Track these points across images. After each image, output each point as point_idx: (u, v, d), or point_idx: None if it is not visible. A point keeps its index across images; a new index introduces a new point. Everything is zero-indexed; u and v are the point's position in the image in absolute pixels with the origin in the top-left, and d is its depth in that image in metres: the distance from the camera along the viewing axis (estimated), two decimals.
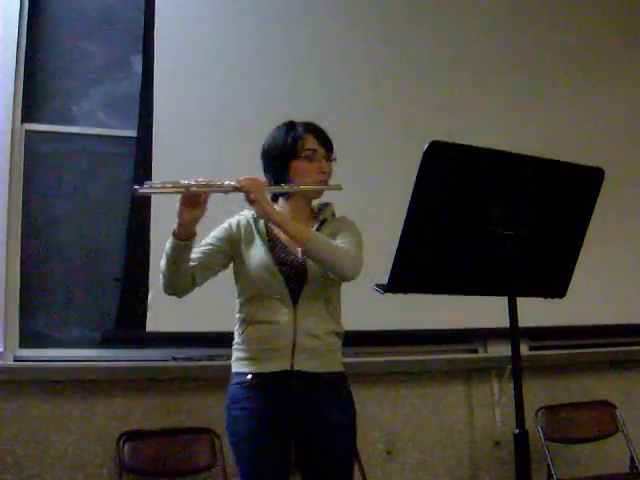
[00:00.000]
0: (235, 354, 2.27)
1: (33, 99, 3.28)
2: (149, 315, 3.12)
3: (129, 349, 3.21)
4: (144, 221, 3.18)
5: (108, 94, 3.39)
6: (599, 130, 4.06)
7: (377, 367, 3.52)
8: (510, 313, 1.88)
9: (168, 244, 2.11)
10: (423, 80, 3.80)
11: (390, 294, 1.85)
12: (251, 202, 2.13)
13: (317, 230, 2.28)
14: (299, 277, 2.22)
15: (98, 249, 3.26)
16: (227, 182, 2.11)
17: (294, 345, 2.17)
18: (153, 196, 3.14)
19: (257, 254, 2.24)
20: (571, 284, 2.04)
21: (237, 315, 2.29)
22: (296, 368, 2.17)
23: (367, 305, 2.92)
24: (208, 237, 2.28)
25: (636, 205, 4.07)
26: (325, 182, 2.30)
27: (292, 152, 2.27)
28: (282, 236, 2.25)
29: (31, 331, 3.12)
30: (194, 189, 2.05)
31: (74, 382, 3.09)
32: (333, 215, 2.38)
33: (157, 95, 3.29)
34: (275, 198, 2.36)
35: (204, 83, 3.42)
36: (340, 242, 2.23)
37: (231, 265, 2.31)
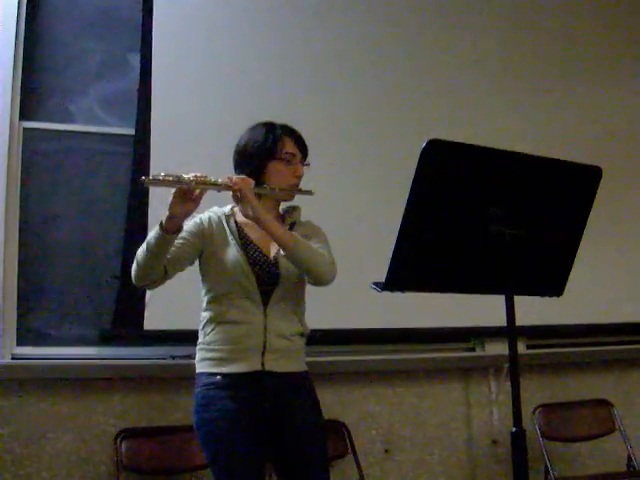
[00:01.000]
0: (201, 354, 2.25)
1: (31, 97, 3.27)
2: (147, 313, 3.11)
3: (127, 347, 3.20)
4: (142, 219, 3.17)
5: (106, 92, 3.39)
6: (597, 129, 4.06)
7: (375, 365, 3.52)
8: (507, 312, 1.88)
9: (152, 236, 2.09)
10: (422, 80, 3.80)
11: (387, 292, 1.85)
12: (240, 200, 2.13)
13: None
14: (271, 278, 2.23)
15: (96, 247, 3.26)
16: (220, 179, 2.13)
17: (264, 345, 2.18)
18: (151, 193, 3.16)
19: (230, 253, 2.23)
20: (568, 283, 2.04)
21: (204, 314, 2.27)
22: (267, 368, 2.18)
23: (364, 303, 2.92)
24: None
25: (634, 204, 4.07)
26: (298, 185, 2.32)
27: (270, 153, 2.28)
28: (253, 236, 2.27)
29: (29, 329, 3.11)
30: (193, 184, 2.06)
31: (72, 380, 3.09)
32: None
33: (155, 93, 3.29)
34: None
35: (202, 81, 3.42)
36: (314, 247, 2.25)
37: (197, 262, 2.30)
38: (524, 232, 1.88)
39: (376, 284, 1.87)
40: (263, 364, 2.17)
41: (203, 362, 2.23)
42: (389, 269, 1.81)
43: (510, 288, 1.89)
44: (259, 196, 2.24)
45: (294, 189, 2.30)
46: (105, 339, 3.16)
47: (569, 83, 4.08)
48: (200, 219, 2.30)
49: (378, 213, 3.39)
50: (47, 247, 3.20)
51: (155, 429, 3.07)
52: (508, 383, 1.90)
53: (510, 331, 1.89)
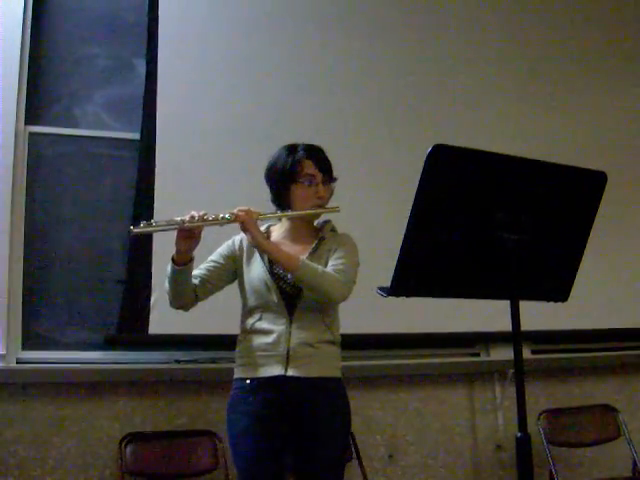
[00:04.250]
0: (236, 361, 2.44)
1: (37, 101, 3.28)
2: (152, 317, 3.11)
3: (132, 351, 3.20)
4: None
5: (112, 97, 3.40)
6: (601, 134, 4.05)
7: (379, 370, 3.52)
8: (512, 317, 1.88)
9: (168, 268, 2.31)
10: (426, 89, 3.79)
11: (393, 297, 1.85)
12: (245, 231, 2.30)
13: (315, 247, 2.41)
14: (295, 292, 2.35)
15: (101, 251, 3.26)
16: (221, 215, 2.27)
17: (288, 353, 2.30)
18: (156, 199, 3.17)
19: (256, 270, 2.39)
20: (573, 288, 2.04)
21: (240, 325, 2.45)
22: (289, 373, 2.29)
23: (370, 308, 2.92)
24: (214, 253, 2.45)
25: (638, 209, 4.07)
26: (322, 205, 2.41)
27: (291, 177, 2.38)
28: None
29: (34, 333, 3.12)
30: (188, 225, 2.21)
31: (77, 384, 3.09)
32: (333, 231, 2.50)
33: (160, 98, 3.29)
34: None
35: (207, 87, 3.42)
36: (332, 264, 2.35)
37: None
38: (529, 237, 1.88)
39: (381, 289, 1.88)
40: (286, 369, 2.29)
41: (236, 368, 2.42)
42: (394, 274, 1.81)
43: (515, 293, 1.89)
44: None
45: (315, 210, 2.40)
46: (110, 343, 3.16)
47: (574, 88, 4.08)
48: (232, 241, 2.47)
49: (383, 216, 3.39)
50: (52, 251, 3.20)
51: (160, 434, 3.07)
52: (513, 388, 1.89)
53: (515, 336, 1.88)
